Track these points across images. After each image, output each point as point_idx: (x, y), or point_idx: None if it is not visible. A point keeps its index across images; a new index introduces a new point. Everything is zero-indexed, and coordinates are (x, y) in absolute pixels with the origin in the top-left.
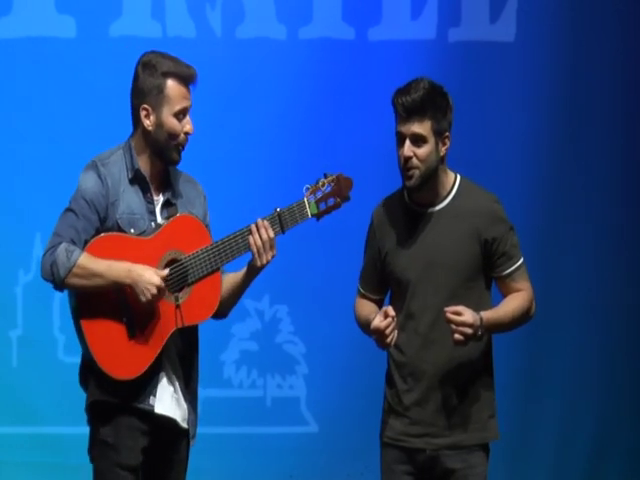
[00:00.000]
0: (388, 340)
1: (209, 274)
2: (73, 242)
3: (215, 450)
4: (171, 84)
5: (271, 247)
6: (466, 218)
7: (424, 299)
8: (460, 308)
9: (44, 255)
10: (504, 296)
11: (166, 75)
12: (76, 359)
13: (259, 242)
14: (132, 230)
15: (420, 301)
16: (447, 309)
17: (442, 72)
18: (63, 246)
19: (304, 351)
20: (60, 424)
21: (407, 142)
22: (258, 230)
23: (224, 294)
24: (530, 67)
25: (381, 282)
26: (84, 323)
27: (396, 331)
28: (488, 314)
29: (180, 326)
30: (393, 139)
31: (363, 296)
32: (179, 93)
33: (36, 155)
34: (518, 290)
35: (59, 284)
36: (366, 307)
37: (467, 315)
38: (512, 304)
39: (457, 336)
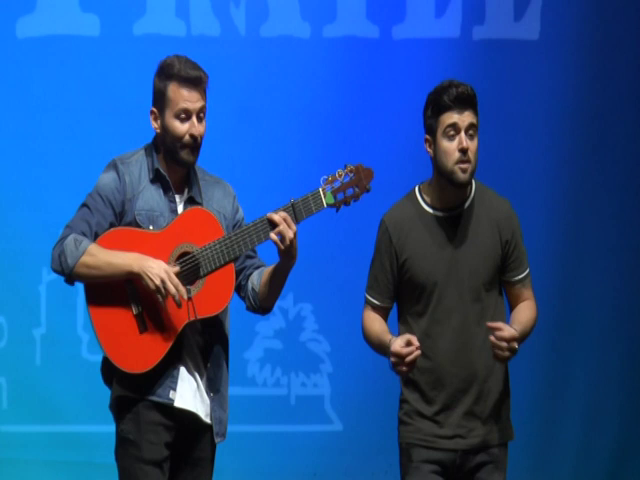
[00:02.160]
0: (405, 369)
1: (221, 266)
2: (84, 234)
3: (239, 448)
4: (172, 87)
5: (289, 225)
6: (487, 220)
7: (450, 303)
8: (500, 324)
9: (54, 246)
10: (511, 303)
11: (169, 78)
12: (99, 357)
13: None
14: (151, 227)
15: (446, 305)
16: (489, 324)
17: (466, 70)
18: (72, 236)
19: (328, 349)
20: (84, 422)
21: (463, 133)
22: (274, 219)
23: (263, 287)
24: (554, 65)
25: (395, 289)
26: (94, 318)
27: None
28: (518, 327)
29: (192, 319)
30: (418, 137)
31: (375, 307)
32: (179, 95)
33: (60, 152)
34: (527, 297)
35: (68, 274)
36: (376, 323)
37: (510, 329)
38: (528, 316)
39: (506, 353)
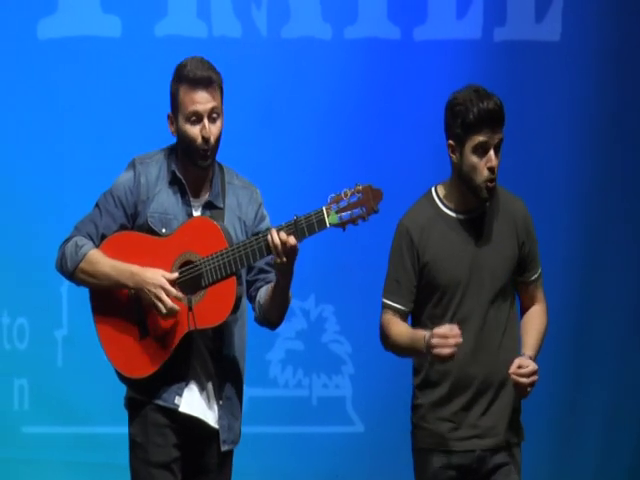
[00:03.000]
0: (449, 351)
1: (224, 278)
2: (89, 236)
3: (260, 449)
4: (182, 90)
5: (290, 250)
6: (506, 221)
7: (471, 305)
8: (518, 361)
9: (60, 245)
10: (525, 304)
11: (179, 81)
12: None
13: (274, 244)
14: (164, 230)
15: (467, 308)
16: (511, 371)
17: (487, 72)
18: (75, 240)
19: (350, 350)
20: (105, 424)
21: (492, 151)
22: (272, 235)
23: (267, 302)
24: (576, 66)
25: (416, 292)
26: (97, 320)
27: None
28: (531, 350)
29: (193, 329)
30: (439, 139)
31: (397, 312)
32: (189, 98)
33: (82, 154)
34: (540, 299)
35: (68, 277)
36: (402, 325)
37: (530, 363)
38: (540, 328)
39: (529, 389)
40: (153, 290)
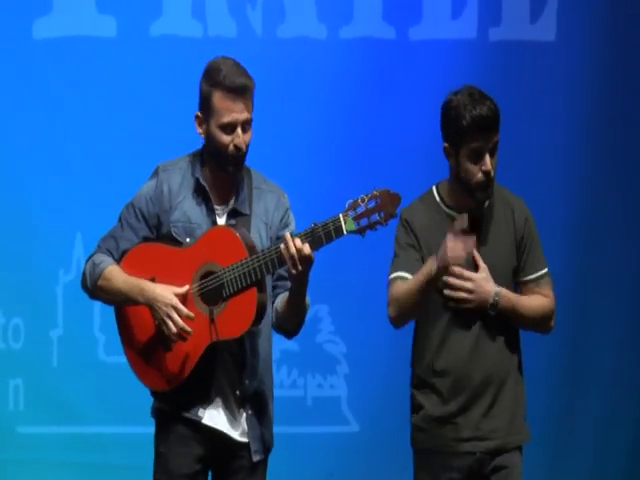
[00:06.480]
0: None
1: (245, 288)
2: (109, 252)
3: None
4: (217, 96)
5: (305, 259)
6: (504, 220)
7: None
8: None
9: (84, 264)
10: None
11: (214, 85)
12: (116, 359)
13: (289, 253)
14: (188, 239)
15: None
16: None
17: (483, 72)
18: (94, 258)
19: (345, 350)
20: (101, 424)
21: (487, 156)
22: (287, 244)
23: (282, 310)
24: (571, 66)
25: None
26: (123, 335)
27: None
28: (507, 292)
29: (215, 340)
30: (433, 138)
31: (404, 280)
32: (224, 106)
33: (77, 154)
34: (544, 294)
35: (90, 294)
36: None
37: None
38: (535, 301)
39: (460, 293)
40: (164, 308)
